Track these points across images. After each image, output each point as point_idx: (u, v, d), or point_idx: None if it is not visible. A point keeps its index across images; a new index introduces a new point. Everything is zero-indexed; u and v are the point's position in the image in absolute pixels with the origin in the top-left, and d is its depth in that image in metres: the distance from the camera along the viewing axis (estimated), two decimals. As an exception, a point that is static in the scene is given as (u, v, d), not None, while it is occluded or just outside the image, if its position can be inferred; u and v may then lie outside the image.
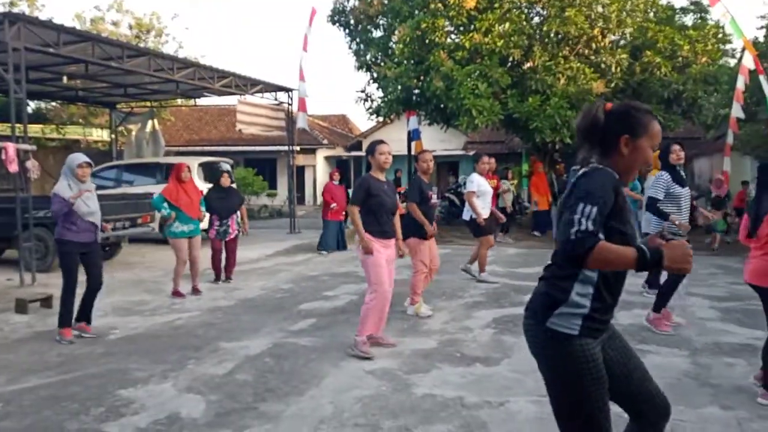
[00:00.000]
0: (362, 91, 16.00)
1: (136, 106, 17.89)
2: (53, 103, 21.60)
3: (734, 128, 13.25)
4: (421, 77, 13.97)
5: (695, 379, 4.48)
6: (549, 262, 2.27)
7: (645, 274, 7.04)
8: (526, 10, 14.21)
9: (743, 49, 13.10)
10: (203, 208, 8.02)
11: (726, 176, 13.60)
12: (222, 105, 29.90)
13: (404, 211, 6.70)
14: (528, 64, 13.79)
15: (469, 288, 8.06)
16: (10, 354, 5.23)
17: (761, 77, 12.25)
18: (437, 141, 23.73)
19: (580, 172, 2.16)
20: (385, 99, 14.71)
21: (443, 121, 15.43)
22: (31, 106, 21.15)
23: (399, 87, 13.99)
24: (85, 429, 3.66)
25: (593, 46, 13.61)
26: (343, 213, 12.06)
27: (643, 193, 7.93)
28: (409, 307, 6.60)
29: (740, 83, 12.67)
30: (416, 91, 14.34)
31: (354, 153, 28.08)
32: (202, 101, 22.00)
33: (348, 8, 15.93)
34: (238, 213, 8.72)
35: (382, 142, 5.37)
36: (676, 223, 5.36)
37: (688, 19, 15.59)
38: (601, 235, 1.96)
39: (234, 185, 9.63)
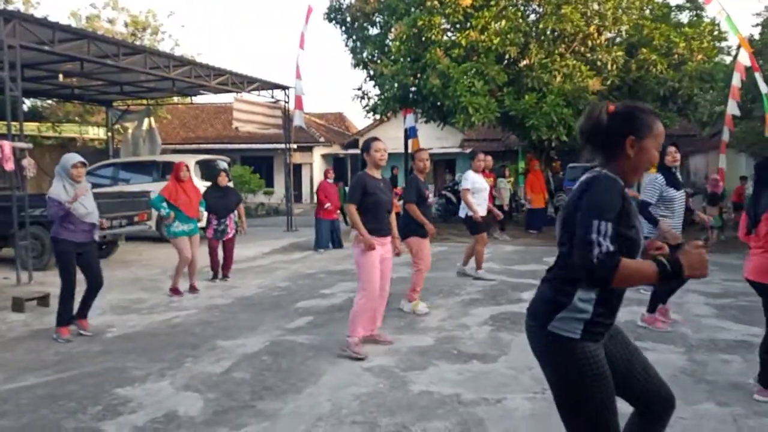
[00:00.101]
0: (359, 89, 15.99)
1: (132, 104, 17.85)
2: (49, 101, 21.54)
3: (730, 125, 13.29)
4: (418, 75, 13.96)
5: (691, 376, 4.49)
6: (550, 263, 2.27)
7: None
8: (522, 8, 14.21)
9: (739, 47, 13.14)
10: (203, 209, 8.02)
11: (722, 173, 13.64)
12: (218, 103, 29.86)
13: (400, 209, 6.70)
14: (524, 62, 13.79)
15: (466, 285, 8.07)
16: (6, 353, 5.23)
17: (757, 74, 12.29)
18: (434, 139, 23.75)
19: (584, 178, 2.14)
20: (382, 97, 14.70)
21: (440, 118, 15.43)
22: (27, 104, 21.10)
23: (396, 85, 13.98)
24: (83, 428, 3.66)
25: (589, 43, 13.62)
26: (337, 211, 12.07)
27: (638, 191, 7.95)
28: (406, 303, 6.57)
29: (736, 80, 12.71)
30: (413, 88, 14.33)
31: (351, 151, 28.08)
32: (198, 99, 21.99)
33: (344, 6, 15.90)
34: (236, 212, 8.71)
35: (376, 139, 5.31)
36: (664, 230, 5.22)
37: (684, 17, 15.63)
38: None
39: (231, 184, 9.62)
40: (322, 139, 28.12)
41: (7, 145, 8.01)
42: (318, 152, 28.64)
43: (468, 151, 23.75)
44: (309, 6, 15.17)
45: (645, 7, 14.34)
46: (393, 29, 14.01)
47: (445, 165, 27.25)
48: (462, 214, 8.50)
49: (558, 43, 13.71)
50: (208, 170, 12.53)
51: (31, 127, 18.62)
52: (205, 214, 8.26)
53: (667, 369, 4.55)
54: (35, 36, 9.18)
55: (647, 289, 6.97)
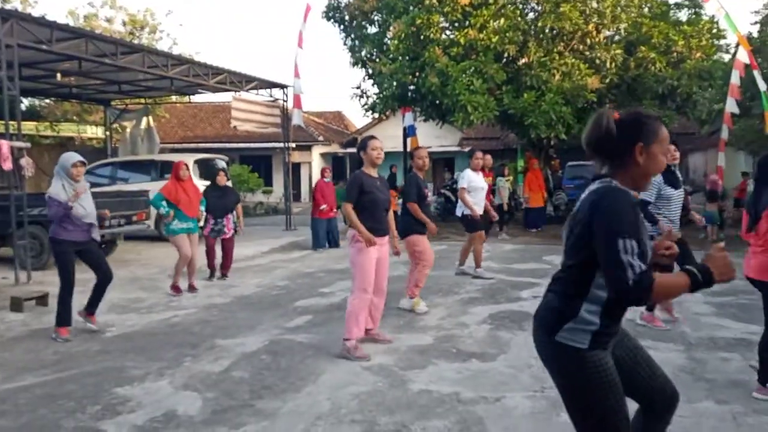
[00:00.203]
0: (357, 88, 16.00)
1: (130, 103, 17.82)
2: (47, 101, 21.52)
3: (729, 123, 13.28)
4: (417, 73, 13.96)
5: (690, 374, 4.49)
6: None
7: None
8: (520, 6, 14.22)
9: (737, 45, 13.13)
10: (203, 208, 8.02)
11: (720, 172, 13.65)
12: (217, 102, 29.85)
13: (397, 207, 6.69)
14: (523, 60, 13.80)
15: (465, 284, 8.07)
16: (5, 352, 5.22)
17: (755, 72, 12.29)
18: (433, 137, 23.74)
19: (593, 188, 2.12)
20: (381, 95, 14.70)
21: (438, 117, 15.43)
22: (25, 103, 21.05)
23: (394, 83, 13.98)
24: (82, 427, 3.65)
25: (588, 41, 13.63)
26: (335, 210, 12.04)
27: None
28: (406, 300, 6.55)
29: (735, 78, 12.70)
30: (411, 87, 14.33)
31: (350, 150, 28.05)
32: (196, 98, 22.05)
33: (343, 4, 15.90)
34: (234, 211, 8.71)
35: (373, 137, 5.28)
36: (665, 229, 5.25)
37: (683, 15, 15.62)
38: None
39: (230, 183, 9.61)
40: (320, 138, 28.10)
41: (5, 144, 7.99)
42: (317, 151, 28.62)
43: (467, 149, 23.77)
44: (307, 4, 15.10)
45: (644, 5, 14.35)
46: (391, 28, 14.01)
47: (444, 164, 27.25)
48: (458, 212, 8.50)
49: (557, 42, 13.71)
50: (206, 169, 12.52)
51: (29, 127, 18.58)
52: (205, 213, 8.26)
53: (667, 367, 4.51)
54: (33, 35, 9.15)
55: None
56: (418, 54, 13.71)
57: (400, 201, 6.76)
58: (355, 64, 15.73)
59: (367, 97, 15.77)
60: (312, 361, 4.85)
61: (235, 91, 14.82)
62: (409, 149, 15.01)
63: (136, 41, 20.33)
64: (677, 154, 5.68)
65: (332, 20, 16.17)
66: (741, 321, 5.99)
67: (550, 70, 13.00)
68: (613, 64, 13.26)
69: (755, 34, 15.34)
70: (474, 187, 8.25)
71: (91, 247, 5.78)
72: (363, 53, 15.42)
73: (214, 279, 8.51)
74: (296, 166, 26.74)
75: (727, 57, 15.83)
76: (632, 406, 2.37)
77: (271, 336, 5.61)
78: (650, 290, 1.89)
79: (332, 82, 71.06)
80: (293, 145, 19.97)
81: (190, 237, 7.67)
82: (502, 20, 13.15)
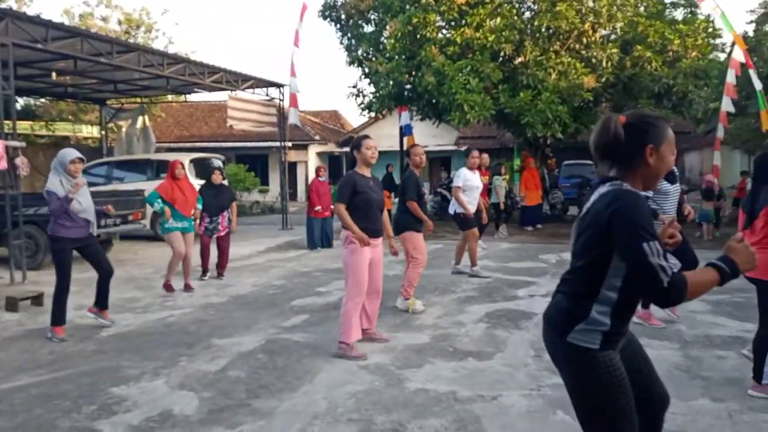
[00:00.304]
0: (354, 87, 15.97)
1: (126, 102, 17.77)
2: (42, 100, 21.46)
3: (724, 122, 13.31)
4: (413, 72, 13.95)
5: (686, 372, 4.51)
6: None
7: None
8: (517, 5, 14.21)
9: (733, 44, 13.15)
10: (200, 206, 8.00)
11: (716, 171, 13.68)
12: (213, 101, 29.84)
13: (392, 206, 6.69)
14: (519, 59, 13.79)
15: (462, 283, 8.07)
16: (0, 352, 5.20)
17: (751, 71, 12.31)
18: (429, 136, 23.77)
19: (603, 191, 2.12)
20: (377, 94, 14.67)
21: (435, 116, 15.42)
22: (20, 102, 20.99)
23: (391, 82, 13.96)
24: (77, 427, 3.64)
25: (584, 40, 13.63)
26: (331, 207, 12.02)
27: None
28: (401, 300, 6.55)
29: (730, 77, 12.73)
30: (408, 86, 14.32)
31: (346, 149, 28.03)
32: (192, 97, 21.98)
33: (339, 3, 15.87)
34: (229, 210, 8.69)
35: (367, 137, 5.24)
36: (665, 222, 5.32)
37: (679, 14, 15.63)
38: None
39: (226, 182, 9.60)
40: (317, 137, 28.09)
41: (0, 144, 7.97)
42: (313, 150, 28.61)
43: (463, 148, 23.79)
44: (303, 3, 15.08)
45: (639, 5, 14.36)
46: (388, 27, 13.98)
47: (441, 163, 27.30)
48: (451, 210, 8.51)
49: (553, 41, 13.72)
50: (202, 168, 12.49)
51: (24, 126, 18.54)
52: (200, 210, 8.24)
53: (662, 365, 4.55)
54: (28, 34, 9.12)
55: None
56: (415, 53, 13.69)
57: (396, 200, 6.75)
58: (351, 63, 15.71)
59: (364, 96, 15.76)
60: (308, 360, 4.85)
61: (232, 90, 14.79)
62: (405, 148, 15.01)
63: (131, 40, 20.26)
64: (675, 151, 5.71)
65: (328, 19, 16.15)
66: (736, 319, 6.01)
67: (546, 69, 13.00)
68: (609, 63, 13.27)
69: (751, 33, 15.37)
70: (469, 186, 8.25)
71: (92, 243, 5.79)
72: (359, 52, 15.40)
73: (206, 278, 8.48)
74: (292, 166, 26.71)
75: (722, 56, 15.85)
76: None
77: (268, 335, 5.60)
78: (685, 289, 1.92)
79: (329, 81, 71.06)
80: (289, 144, 19.95)
81: (186, 236, 7.66)
82: (499, 19, 13.14)
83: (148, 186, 10.50)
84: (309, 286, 8.05)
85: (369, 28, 15.69)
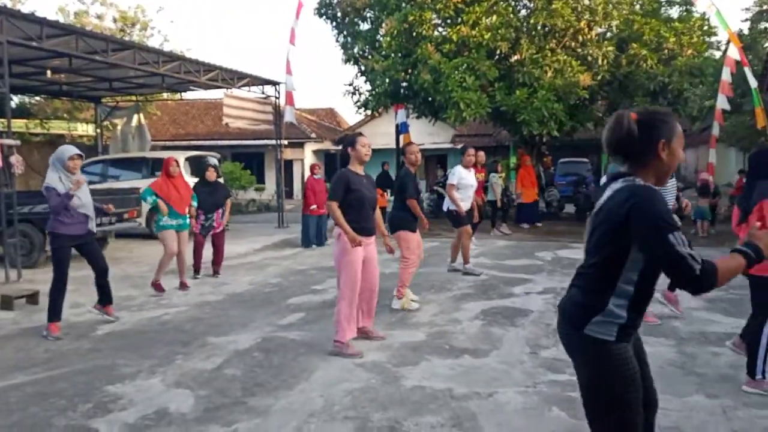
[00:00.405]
0: (350, 85, 15.97)
1: (121, 100, 17.72)
2: (37, 98, 21.34)
3: (720, 120, 13.36)
4: (409, 70, 13.95)
5: (681, 368, 4.52)
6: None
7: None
8: (513, 3, 14.24)
9: (728, 42, 13.21)
10: (195, 204, 7.96)
11: (711, 168, 13.73)
12: (208, 99, 29.72)
13: (386, 204, 6.68)
14: (515, 57, 13.81)
15: (458, 280, 8.08)
16: (-5, 351, 5.19)
17: (746, 69, 12.36)
18: (425, 134, 23.76)
19: (617, 187, 2.14)
20: (373, 92, 14.68)
21: (431, 114, 15.42)
22: (15, 100, 20.88)
23: (387, 80, 13.97)
24: (73, 425, 3.63)
25: (580, 38, 13.65)
26: (324, 208, 12.00)
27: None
28: (396, 300, 6.53)
29: (725, 75, 12.77)
30: (404, 84, 14.32)
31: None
32: (188, 95, 21.89)
33: (335, 1, 15.86)
34: (224, 207, 8.66)
35: (361, 134, 5.21)
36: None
37: (674, 12, 15.70)
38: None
39: (221, 179, 9.57)
40: (313, 135, 28.03)
41: (-5, 142, 7.95)
42: (309, 148, 28.54)
43: (459, 146, 23.76)
44: (299, 1, 15.06)
45: (635, 3, 14.39)
46: (384, 24, 13.98)
47: (437, 160, 27.28)
48: (444, 207, 8.52)
49: (549, 39, 13.73)
50: (197, 166, 12.47)
51: (18, 124, 18.44)
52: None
53: (657, 361, 4.57)
54: (23, 32, 9.08)
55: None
56: (411, 51, 13.69)
57: (392, 198, 6.75)
58: (347, 60, 15.70)
59: (360, 94, 15.76)
60: (304, 358, 4.85)
61: (227, 88, 14.76)
62: (401, 146, 15.02)
63: (126, 38, 20.21)
64: None
65: (324, 17, 16.14)
66: (732, 316, 6.03)
67: (542, 67, 13.02)
68: (605, 61, 13.30)
69: (746, 31, 15.43)
70: (464, 184, 8.24)
71: (90, 241, 5.79)
72: (355, 50, 15.39)
73: (198, 277, 8.42)
74: (288, 163, 26.67)
75: (718, 54, 15.94)
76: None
77: (264, 333, 5.60)
78: (716, 275, 1.95)
79: (324, 79, 70.95)
80: (285, 142, 19.90)
81: (180, 234, 7.60)
82: (495, 17, 13.15)
83: (144, 184, 10.44)
84: (305, 284, 8.05)
85: (365, 26, 15.70)
